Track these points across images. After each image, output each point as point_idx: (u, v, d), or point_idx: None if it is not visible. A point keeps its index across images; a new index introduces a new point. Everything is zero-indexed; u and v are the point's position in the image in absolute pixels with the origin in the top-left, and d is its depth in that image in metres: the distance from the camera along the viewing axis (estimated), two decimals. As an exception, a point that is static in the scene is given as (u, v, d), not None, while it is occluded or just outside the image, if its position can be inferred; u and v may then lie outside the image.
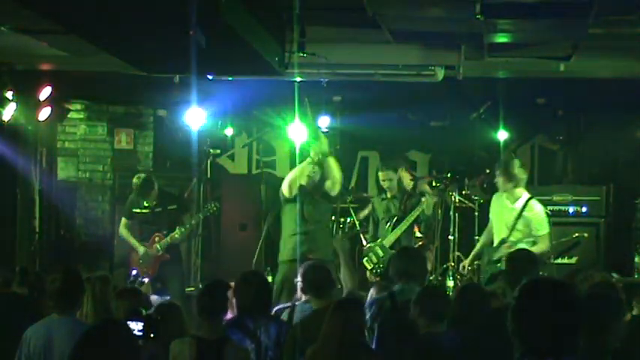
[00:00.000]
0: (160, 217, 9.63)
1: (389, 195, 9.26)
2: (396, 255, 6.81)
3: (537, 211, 8.42)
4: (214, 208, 9.85)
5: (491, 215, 8.80)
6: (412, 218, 9.01)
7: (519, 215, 8.36)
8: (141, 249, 9.60)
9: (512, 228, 8.33)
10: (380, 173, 9.34)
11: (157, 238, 9.58)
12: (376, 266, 9.02)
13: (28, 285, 6.69)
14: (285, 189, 8.82)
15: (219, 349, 5.07)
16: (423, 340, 5.28)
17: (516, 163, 8.64)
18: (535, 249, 8.04)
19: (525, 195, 8.51)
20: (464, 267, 9.19)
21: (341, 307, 5.21)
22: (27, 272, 7.12)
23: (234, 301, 5.80)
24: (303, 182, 8.77)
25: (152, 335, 4.79)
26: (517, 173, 8.49)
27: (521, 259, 6.62)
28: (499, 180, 8.56)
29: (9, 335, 5.57)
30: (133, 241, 9.69)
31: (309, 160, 8.82)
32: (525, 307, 3.10)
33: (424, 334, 5.31)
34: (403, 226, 9.01)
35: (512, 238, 8.33)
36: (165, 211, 9.63)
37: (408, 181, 10.76)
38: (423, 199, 9.06)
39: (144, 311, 5.49)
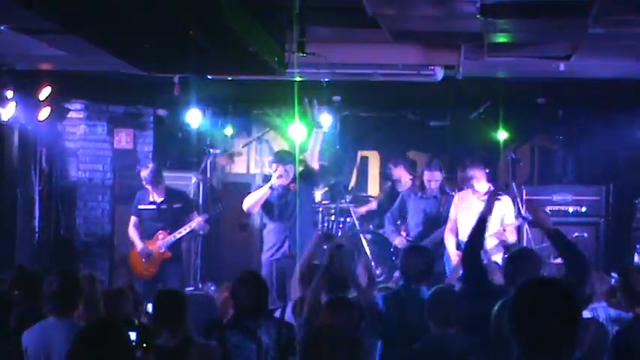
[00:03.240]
0: (165, 215, 9.61)
1: (429, 194, 9.32)
2: (403, 253, 6.77)
3: (506, 203, 8.80)
4: (220, 209, 9.83)
5: (454, 214, 8.95)
6: None
7: None
8: (139, 245, 9.61)
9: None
10: (428, 173, 9.36)
11: (160, 236, 9.55)
12: None
13: (23, 284, 6.67)
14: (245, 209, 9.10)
15: (180, 353, 5.02)
16: (431, 342, 5.26)
17: (479, 157, 9.16)
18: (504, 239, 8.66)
19: (490, 189, 8.84)
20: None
21: (330, 306, 5.23)
22: (24, 271, 7.10)
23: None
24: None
25: (145, 345, 4.76)
26: (481, 170, 8.92)
27: (523, 258, 6.55)
28: (476, 182, 8.87)
29: (2, 336, 5.56)
30: (136, 238, 9.70)
31: (268, 185, 8.91)
32: (523, 306, 3.09)
33: (433, 336, 5.29)
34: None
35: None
36: (171, 208, 9.60)
37: (406, 180, 10.79)
38: None
39: (136, 321, 5.50)
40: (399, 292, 6.26)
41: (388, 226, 9.71)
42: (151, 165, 9.82)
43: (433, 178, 9.32)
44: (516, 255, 5.80)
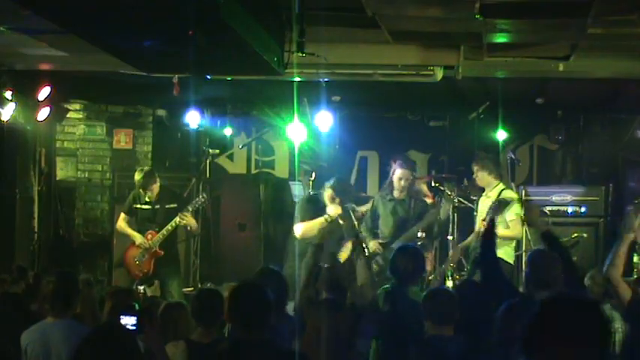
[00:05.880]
0: (158, 215, 9.58)
1: (397, 196, 9.12)
2: (395, 254, 6.78)
3: (509, 197, 8.68)
4: (202, 200, 9.70)
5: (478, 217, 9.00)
6: (425, 224, 9.01)
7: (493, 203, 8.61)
8: (138, 237, 9.51)
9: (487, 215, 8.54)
10: (400, 171, 9.03)
11: (149, 236, 9.52)
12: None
13: (25, 284, 6.68)
14: (298, 235, 8.68)
15: (213, 352, 5.04)
16: (428, 342, 5.25)
17: (485, 155, 9.16)
18: (507, 233, 8.58)
19: (499, 185, 8.95)
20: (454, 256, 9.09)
21: (320, 307, 5.25)
22: (25, 271, 7.10)
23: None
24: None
25: (145, 329, 4.76)
26: (492, 166, 8.96)
27: (543, 258, 6.35)
28: (479, 175, 8.91)
29: (4, 334, 5.56)
30: (130, 232, 9.61)
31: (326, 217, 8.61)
32: (547, 326, 2.77)
33: (430, 337, 5.28)
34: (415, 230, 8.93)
35: None
36: (164, 208, 9.57)
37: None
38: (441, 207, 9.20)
39: (137, 305, 5.49)
40: (390, 293, 6.27)
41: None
42: (145, 168, 9.78)
43: (404, 177, 9.09)
44: (534, 256, 5.82)
